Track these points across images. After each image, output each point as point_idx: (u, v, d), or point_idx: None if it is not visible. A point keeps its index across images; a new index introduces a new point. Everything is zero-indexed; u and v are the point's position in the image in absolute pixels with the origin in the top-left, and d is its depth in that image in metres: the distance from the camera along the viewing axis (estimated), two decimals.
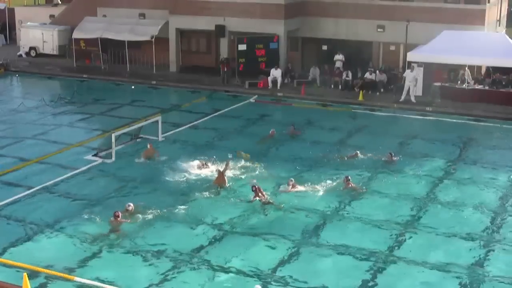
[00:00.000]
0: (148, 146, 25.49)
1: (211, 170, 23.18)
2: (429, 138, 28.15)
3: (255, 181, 21.39)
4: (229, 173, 22.78)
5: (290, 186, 21.59)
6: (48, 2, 59.63)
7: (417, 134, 28.86)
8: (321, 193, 21.56)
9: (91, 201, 20.95)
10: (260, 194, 20.59)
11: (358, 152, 25.23)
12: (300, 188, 21.59)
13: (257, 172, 23.29)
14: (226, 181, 21.99)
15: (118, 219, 18.90)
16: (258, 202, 20.45)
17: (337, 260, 17.19)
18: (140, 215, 19.47)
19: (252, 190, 20.64)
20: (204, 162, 23.56)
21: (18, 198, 21.11)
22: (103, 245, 17.86)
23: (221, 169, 22.35)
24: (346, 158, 24.99)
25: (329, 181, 22.37)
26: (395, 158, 24.62)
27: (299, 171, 23.75)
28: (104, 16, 43.90)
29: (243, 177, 22.85)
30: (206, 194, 21.44)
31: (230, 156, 23.52)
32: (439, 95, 33.81)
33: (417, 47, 34.95)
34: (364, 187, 22.01)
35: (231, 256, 17.17)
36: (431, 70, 34.36)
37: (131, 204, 19.76)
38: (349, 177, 22.04)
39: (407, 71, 33.77)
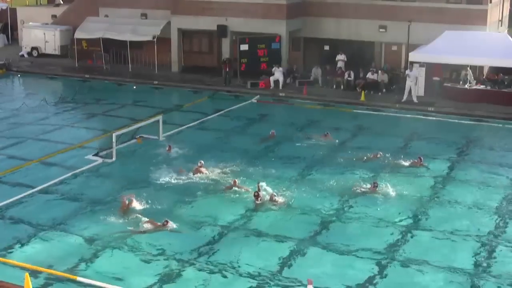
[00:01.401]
0: (167, 148, 25.75)
1: (211, 171, 23.19)
2: (431, 138, 28.10)
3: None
4: (231, 174, 22.95)
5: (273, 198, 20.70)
6: (50, 2, 59.69)
7: (419, 134, 28.84)
8: (326, 193, 21.59)
9: (92, 200, 20.94)
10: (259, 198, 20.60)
11: (381, 153, 25.10)
12: (280, 200, 20.72)
13: (260, 173, 23.30)
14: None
15: (168, 224, 18.80)
16: (261, 202, 20.53)
17: (339, 260, 17.16)
18: (140, 215, 19.45)
19: (254, 195, 20.69)
20: (202, 164, 23.46)
21: (20, 198, 21.09)
22: (105, 245, 17.84)
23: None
24: (365, 158, 24.90)
25: (334, 182, 22.39)
26: (425, 164, 24.14)
27: (300, 171, 23.76)
28: (106, 16, 43.92)
29: (245, 177, 22.87)
30: (207, 194, 21.44)
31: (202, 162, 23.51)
32: (438, 90, 33.85)
33: (419, 47, 34.94)
34: (365, 187, 22.01)
35: (233, 256, 17.15)
36: (431, 65, 34.33)
37: (126, 198, 19.88)
38: (377, 183, 21.80)
39: (408, 71, 33.75)
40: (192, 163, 23.87)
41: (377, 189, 21.54)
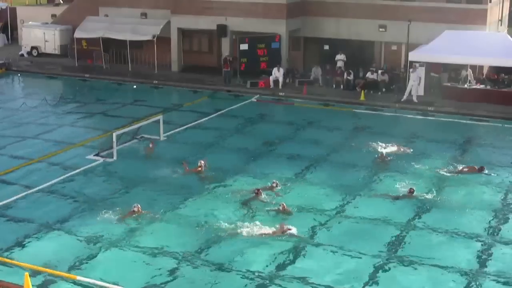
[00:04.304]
0: (150, 145, 25.52)
1: (211, 170, 23.18)
2: (431, 138, 28.11)
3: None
4: (232, 173, 23.01)
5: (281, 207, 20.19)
6: (50, 1, 59.58)
7: (418, 133, 28.82)
8: (324, 193, 21.63)
9: (93, 200, 20.95)
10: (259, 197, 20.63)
11: (384, 153, 25.19)
12: (289, 210, 20.18)
13: (261, 173, 23.32)
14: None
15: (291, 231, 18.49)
16: (259, 202, 20.50)
17: (338, 260, 17.20)
18: (141, 215, 19.46)
19: (255, 193, 20.71)
20: (204, 163, 23.50)
21: (20, 197, 21.11)
22: (105, 244, 17.87)
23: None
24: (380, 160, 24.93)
25: (331, 181, 22.39)
26: (487, 172, 23.64)
27: (299, 170, 23.79)
28: (106, 15, 43.92)
29: (244, 177, 22.92)
30: (207, 194, 21.45)
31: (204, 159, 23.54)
32: (436, 86, 33.92)
33: (419, 47, 34.93)
34: (365, 187, 22.01)
35: (232, 256, 17.17)
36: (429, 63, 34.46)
37: (138, 205, 19.73)
38: (414, 189, 21.44)
39: (412, 70, 33.72)
40: (192, 162, 23.88)
41: (413, 194, 21.21)
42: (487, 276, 16.37)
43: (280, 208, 19.97)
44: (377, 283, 16.01)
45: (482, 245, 18.09)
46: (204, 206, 20.53)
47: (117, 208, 19.91)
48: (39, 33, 45.98)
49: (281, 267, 16.72)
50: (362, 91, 34.52)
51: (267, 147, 26.69)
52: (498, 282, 16.13)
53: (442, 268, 16.65)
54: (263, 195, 20.76)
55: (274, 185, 21.76)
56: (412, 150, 26.04)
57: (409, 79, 33.72)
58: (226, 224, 19.07)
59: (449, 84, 34.51)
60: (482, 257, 17.39)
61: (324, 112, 32.94)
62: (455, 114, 31.68)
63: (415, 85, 33.43)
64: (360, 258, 17.21)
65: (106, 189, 21.99)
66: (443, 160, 24.90)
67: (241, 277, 16.24)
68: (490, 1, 36.45)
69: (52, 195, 21.50)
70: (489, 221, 19.62)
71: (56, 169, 23.91)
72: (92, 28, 42.25)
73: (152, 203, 20.43)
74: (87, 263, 16.87)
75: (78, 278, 16.00)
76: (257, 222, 19.14)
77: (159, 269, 16.56)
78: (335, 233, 18.75)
